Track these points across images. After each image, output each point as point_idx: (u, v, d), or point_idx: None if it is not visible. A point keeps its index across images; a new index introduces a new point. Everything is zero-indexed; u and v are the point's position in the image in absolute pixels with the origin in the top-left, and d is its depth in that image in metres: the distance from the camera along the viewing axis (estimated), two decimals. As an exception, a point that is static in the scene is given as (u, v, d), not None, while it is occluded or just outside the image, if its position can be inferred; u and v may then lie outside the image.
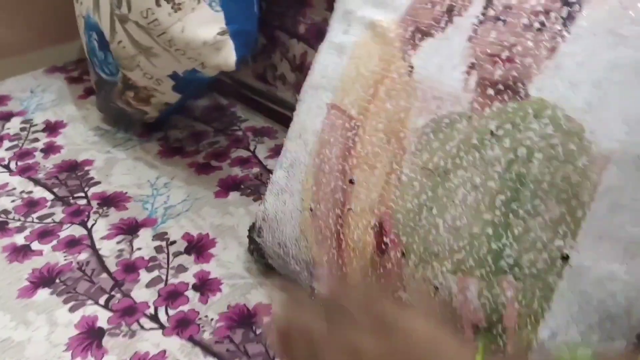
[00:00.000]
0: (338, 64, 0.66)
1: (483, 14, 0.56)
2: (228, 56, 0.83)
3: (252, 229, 0.77)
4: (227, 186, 0.95)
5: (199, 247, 0.83)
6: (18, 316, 0.73)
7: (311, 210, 0.66)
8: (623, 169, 0.49)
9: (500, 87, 0.54)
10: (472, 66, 0.56)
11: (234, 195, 0.93)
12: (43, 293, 0.76)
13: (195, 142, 1.05)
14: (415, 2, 0.61)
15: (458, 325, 0.56)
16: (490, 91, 0.54)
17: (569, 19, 0.52)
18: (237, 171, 0.98)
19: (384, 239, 0.60)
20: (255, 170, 0.98)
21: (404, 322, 0.43)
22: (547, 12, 0.53)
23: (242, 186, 0.95)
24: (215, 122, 1.11)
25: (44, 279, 0.78)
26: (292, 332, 0.45)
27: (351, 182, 0.63)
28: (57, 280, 0.78)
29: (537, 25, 0.53)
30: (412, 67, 0.60)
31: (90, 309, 0.74)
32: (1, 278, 0.78)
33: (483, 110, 0.54)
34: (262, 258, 0.76)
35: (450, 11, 0.58)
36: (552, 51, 0.52)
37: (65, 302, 0.75)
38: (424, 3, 0.60)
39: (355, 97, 0.63)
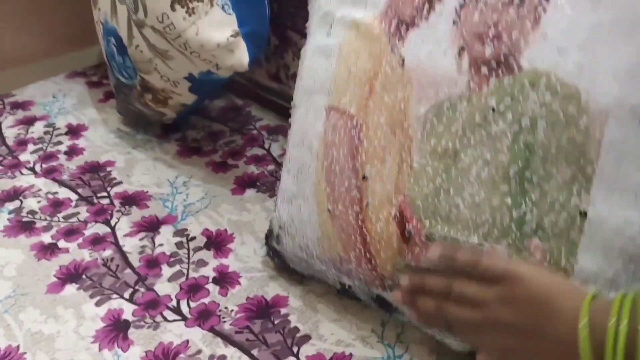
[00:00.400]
0: (327, 66, 0.68)
1: None
2: (241, 57, 0.85)
3: (269, 236, 0.79)
4: (244, 183, 0.98)
5: (217, 242, 0.86)
6: (47, 311, 0.76)
7: (329, 211, 0.69)
8: (621, 121, 0.51)
9: (493, 64, 0.56)
10: (462, 48, 0.58)
11: (250, 192, 0.96)
12: (70, 288, 0.79)
13: (212, 141, 1.08)
14: None
15: None
16: (484, 69, 0.56)
17: None
18: (252, 169, 1.01)
19: (407, 226, 0.62)
20: (270, 167, 1.01)
21: (513, 271, 0.47)
22: None
23: (258, 183, 0.98)
24: (231, 121, 1.14)
25: (71, 275, 0.81)
26: (419, 287, 0.50)
27: (364, 178, 0.65)
28: (84, 276, 0.81)
29: (517, 0, 0.55)
30: (403, 59, 0.61)
31: (116, 303, 0.77)
32: (31, 275, 0.82)
33: (481, 89, 0.57)
34: (283, 263, 0.79)
35: None
36: (536, 22, 0.54)
37: (92, 296, 0.78)
38: None
39: (351, 96, 0.65)
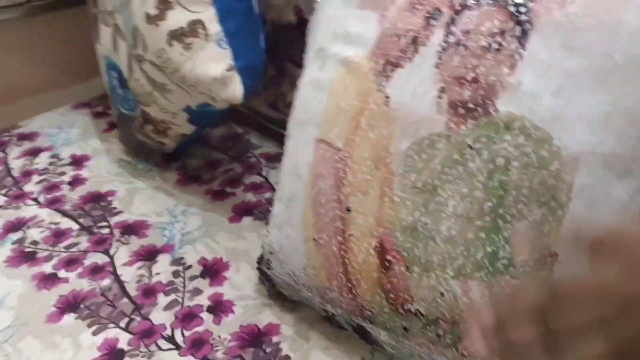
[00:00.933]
0: (319, 100, 0.71)
1: (445, 42, 0.60)
2: (235, 90, 0.88)
3: (260, 261, 0.81)
4: (241, 211, 1.00)
5: (213, 270, 0.88)
6: (46, 340, 0.78)
7: (314, 240, 0.71)
8: (592, 168, 0.53)
9: (471, 105, 0.58)
10: (442, 90, 0.60)
11: (247, 220, 0.98)
12: (69, 318, 0.81)
13: (211, 169, 1.11)
14: (382, 37, 0.65)
15: (467, 325, 0.60)
16: (462, 111, 0.58)
17: (522, 37, 0.56)
18: (250, 197, 1.03)
19: (387, 257, 0.64)
20: (268, 195, 1.03)
21: None
22: (502, 33, 0.57)
23: (255, 211, 1.00)
24: (230, 150, 1.17)
25: (70, 304, 0.83)
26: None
27: (348, 210, 0.67)
28: (82, 306, 0.83)
29: (495, 46, 0.57)
30: (387, 97, 0.64)
31: (112, 332, 0.79)
32: (31, 305, 0.84)
33: (459, 129, 0.58)
34: (273, 287, 0.81)
35: (414, 42, 0.62)
36: (512, 68, 0.56)
37: (89, 326, 0.80)
38: (390, 36, 0.64)
39: (339, 130, 0.67)
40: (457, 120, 0.58)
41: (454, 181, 0.59)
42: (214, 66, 0.88)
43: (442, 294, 0.61)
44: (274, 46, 1.03)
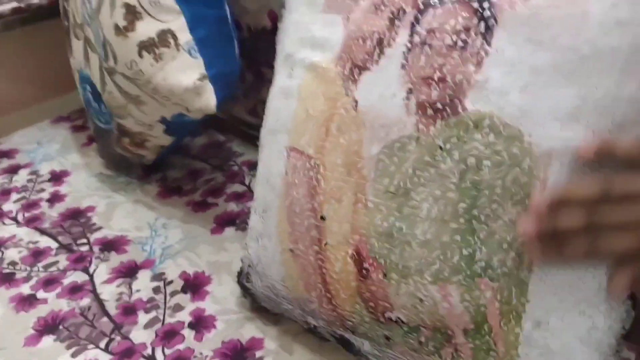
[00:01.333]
0: (288, 107, 0.69)
1: (410, 42, 0.59)
2: (208, 100, 0.86)
3: (240, 275, 0.80)
4: (223, 222, 0.98)
5: (194, 285, 0.86)
6: (24, 364, 0.77)
7: (291, 250, 0.69)
8: (565, 163, 0.51)
9: (439, 106, 0.56)
10: (409, 91, 0.58)
11: (229, 231, 0.96)
12: (47, 340, 0.79)
13: (193, 180, 1.09)
14: (347, 40, 0.63)
15: (449, 331, 0.58)
16: (431, 111, 0.57)
17: (487, 33, 0.54)
18: (232, 206, 1.01)
19: (364, 264, 0.62)
20: (250, 204, 1.01)
21: None
22: (467, 30, 0.55)
23: (237, 221, 0.98)
24: (212, 158, 1.15)
25: (48, 326, 0.81)
26: (566, 199, 0.45)
27: (322, 218, 0.65)
28: (61, 327, 0.81)
29: (460, 43, 0.55)
30: (356, 101, 0.62)
31: (92, 353, 0.77)
32: (8, 328, 0.82)
33: (428, 130, 0.57)
34: (254, 302, 0.79)
35: (380, 44, 0.61)
36: (479, 65, 0.54)
37: (68, 347, 0.78)
38: (356, 40, 0.63)
39: (309, 137, 0.66)
40: (426, 121, 0.57)
41: (426, 184, 0.57)
42: (185, 76, 0.86)
43: (421, 300, 0.59)
44: (251, 52, 1.01)
